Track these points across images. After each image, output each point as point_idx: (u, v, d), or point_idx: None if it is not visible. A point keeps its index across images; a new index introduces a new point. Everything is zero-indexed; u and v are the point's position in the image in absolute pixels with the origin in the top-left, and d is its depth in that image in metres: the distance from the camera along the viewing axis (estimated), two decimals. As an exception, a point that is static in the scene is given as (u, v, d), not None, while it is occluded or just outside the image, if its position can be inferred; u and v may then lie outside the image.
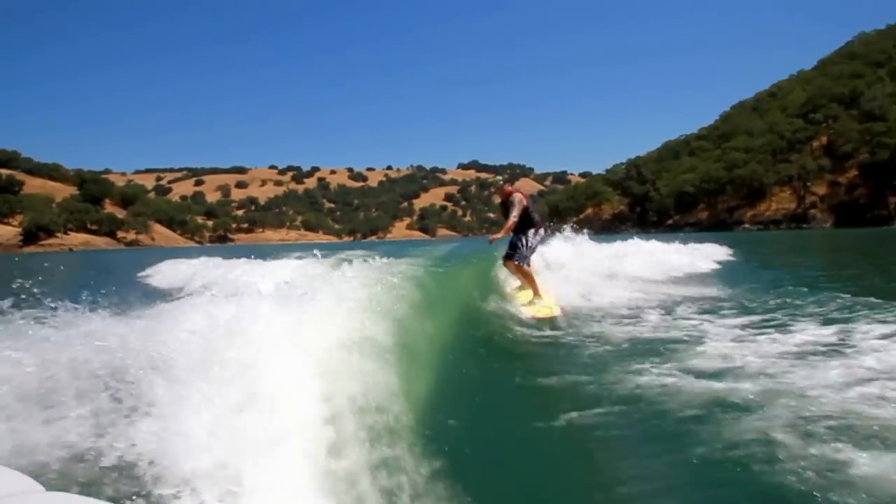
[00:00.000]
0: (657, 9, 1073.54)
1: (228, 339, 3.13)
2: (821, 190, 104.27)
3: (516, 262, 8.14)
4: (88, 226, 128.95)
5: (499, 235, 8.14)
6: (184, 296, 6.50)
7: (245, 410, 2.73)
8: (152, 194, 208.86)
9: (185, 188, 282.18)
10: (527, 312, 7.43)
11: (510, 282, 9.02)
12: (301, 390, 2.91)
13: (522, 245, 8.12)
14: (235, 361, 2.97)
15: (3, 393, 2.80)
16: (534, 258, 8.61)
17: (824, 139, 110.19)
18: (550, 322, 7.12)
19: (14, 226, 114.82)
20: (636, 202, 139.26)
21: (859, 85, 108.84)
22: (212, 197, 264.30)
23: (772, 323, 6.57)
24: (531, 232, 8.16)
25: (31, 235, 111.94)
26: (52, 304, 3.63)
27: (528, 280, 8.19)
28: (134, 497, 2.39)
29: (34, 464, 2.55)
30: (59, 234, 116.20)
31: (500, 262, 8.70)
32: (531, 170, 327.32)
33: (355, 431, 2.83)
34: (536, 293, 8.03)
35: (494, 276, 9.29)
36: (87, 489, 2.46)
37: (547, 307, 7.70)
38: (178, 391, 2.84)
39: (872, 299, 7.38)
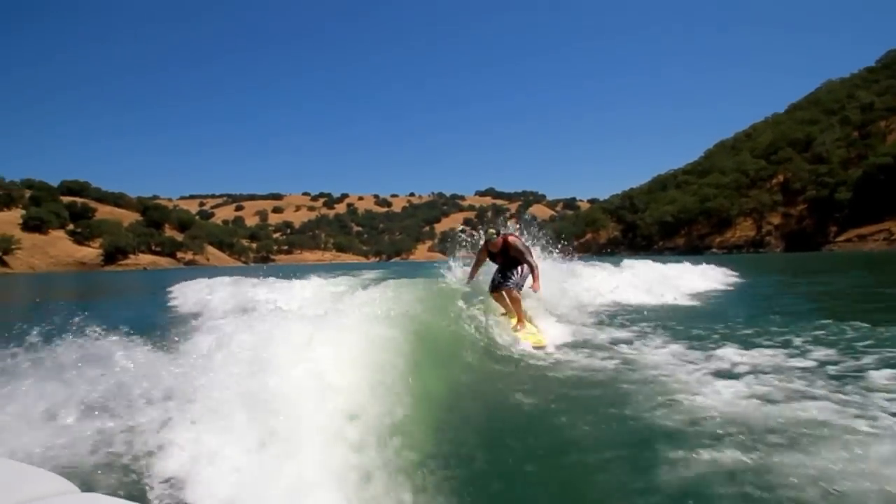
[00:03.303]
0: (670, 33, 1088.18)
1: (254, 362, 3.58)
2: (775, 220, 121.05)
3: (510, 287, 7.84)
4: (153, 247, 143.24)
5: (539, 284, 7.80)
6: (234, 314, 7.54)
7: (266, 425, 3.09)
8: (197, 218, 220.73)
9: (227, 213, 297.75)
10: (522, 339, 7.08)
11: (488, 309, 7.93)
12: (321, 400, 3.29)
13: (516, 273, 7.90)
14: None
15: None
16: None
17: (781, 177, 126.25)
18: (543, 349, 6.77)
19: (94, 247, 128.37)
20: (628, 229, 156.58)
21: (814, 131, 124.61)
22: (251, 221, 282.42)
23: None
24: (520, 268, 7.94)
25: (110, 256, 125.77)
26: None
27: (517, 306, 7.79)
28: (163, 498, 2.65)
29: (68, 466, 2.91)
30: (131, 255, 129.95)
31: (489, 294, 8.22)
32: (543, 196, 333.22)
33: (367, 435, 3.13)
34: (521, 320, 7.67)
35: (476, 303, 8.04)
36: (117, 490, 2.71)
37: (536, 335, 7.39)
38: (205, 409, 3.25)
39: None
